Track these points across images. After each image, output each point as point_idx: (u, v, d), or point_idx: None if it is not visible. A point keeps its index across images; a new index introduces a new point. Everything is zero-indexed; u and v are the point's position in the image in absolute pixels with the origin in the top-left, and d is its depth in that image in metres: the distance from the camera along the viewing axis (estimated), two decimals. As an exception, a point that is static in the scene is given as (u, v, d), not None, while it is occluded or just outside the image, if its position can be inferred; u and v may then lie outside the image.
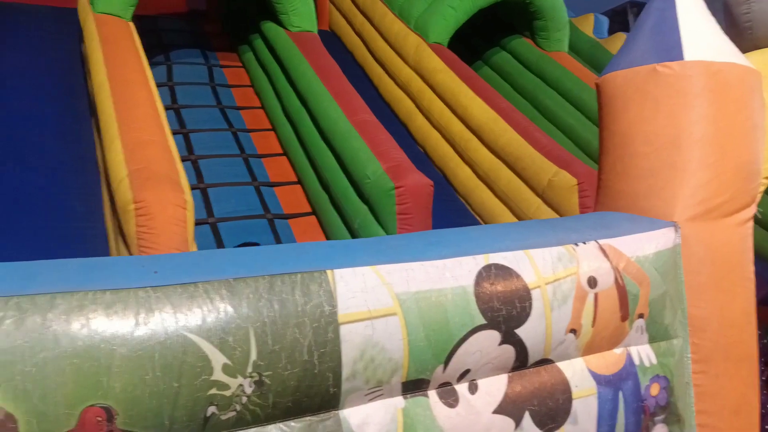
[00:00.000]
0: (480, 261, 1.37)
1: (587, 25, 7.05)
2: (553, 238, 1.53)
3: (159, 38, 5.28)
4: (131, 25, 4.07)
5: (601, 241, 1.57)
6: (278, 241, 3.93)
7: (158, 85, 4.00)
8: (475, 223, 4.59)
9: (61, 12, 5.07)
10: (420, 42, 5.09)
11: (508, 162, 4.38)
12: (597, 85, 1.92)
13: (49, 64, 4.50)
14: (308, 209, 4.27)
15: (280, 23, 4.69)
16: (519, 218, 4.36)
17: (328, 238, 4.07)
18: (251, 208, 4.08)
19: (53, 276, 1.13)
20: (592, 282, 1.51)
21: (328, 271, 1.25)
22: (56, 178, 3.55)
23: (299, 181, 4.40)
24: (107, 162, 3.03)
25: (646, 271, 1.63)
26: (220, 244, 3.77)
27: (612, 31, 7.65)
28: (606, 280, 1.54)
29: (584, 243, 1.54)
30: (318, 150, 4.10)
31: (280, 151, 4.64)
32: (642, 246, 1.61)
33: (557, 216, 4.10)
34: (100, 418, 1.07)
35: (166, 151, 3.02)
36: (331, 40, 6.02)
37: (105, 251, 3.24)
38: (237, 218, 3.96)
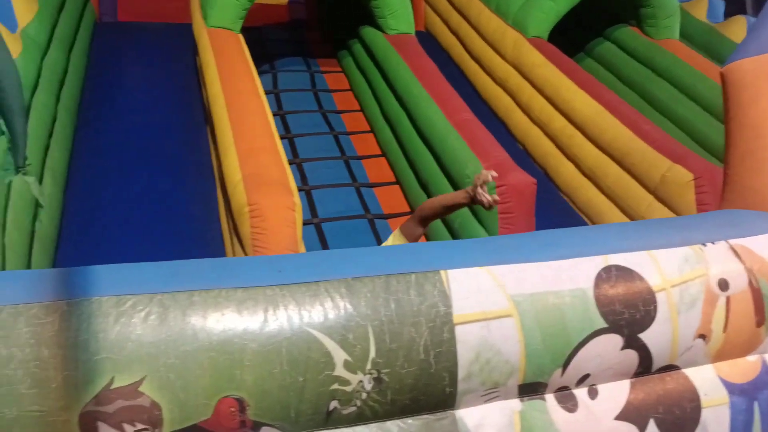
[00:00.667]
0: (599, 262, 1.33)
1: (700, 9, 6.56)
2: (678, 238, 1.44)
3: (264, 48, 5.54)
4: (241, 37, 4.31)
5: (732, 241, 1.47)
6: (378, 240, 4.00)
7: (266, 93, 4.21)
8: (580, 222, 4.42)
9: (178, 28, 5.46)
10: (518, 37, 4.98)
11: (615, 157, 4.18)
12: (722, 75, 1.79)
13: (170, 77, 4.87)
14: (407, 209, 4.31)
15: (378, 27, 4.77)
16: (629, 217, 4.14)
17: (427, 237, 4.08)
18: (352, 209, 4.18)
19: (190, 274, 1.23)
20: (724, 285, 1.41)
21: (442, 272, 1.26)
22: (179, 183, 3.84)
23: (398, 182, 4.45)
24: (223, 167, 3.23)
25: (785, 273, 1.50)
26: (324, 244, 3.90)
27: (728, 14, 7.07)
28: (739, 283, 1.43)
29: (713, 243, 1.44)
30: (417, 150, 4.13)
31: (379, 152, 4.71)
32: (779, 246, 1.49)
33: (671, 214, 3.85)
34: (233, 409, 1.14)
35: (276, 156, 3.17)
36: (427, 40, 6.03)
37: (221, 251, 3.46)
38: (339, 218, 4.08)
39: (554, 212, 4.47)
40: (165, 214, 3.56)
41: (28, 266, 2.66)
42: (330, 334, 1.17)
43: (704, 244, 1.44)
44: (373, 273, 1.23)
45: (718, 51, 5.90)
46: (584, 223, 4.40)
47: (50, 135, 3.42)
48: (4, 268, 2.20)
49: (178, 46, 5.16)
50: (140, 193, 3.67)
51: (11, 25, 3.16)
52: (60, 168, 3.53)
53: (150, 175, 3.82)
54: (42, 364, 1.06)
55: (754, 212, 1.62)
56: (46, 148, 3.27)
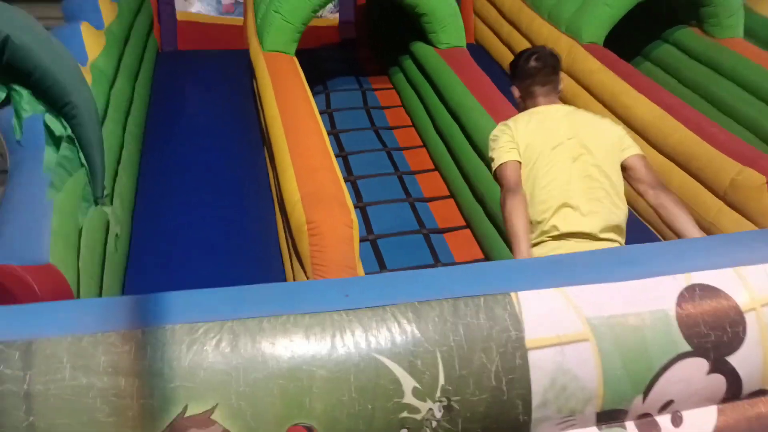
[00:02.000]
0: (681, 281, 1.25)
1: (765, 4, 6.24)
2: (766, 252, 1.35)
3: (317, 69, 5.64)
4: (296, 59, 4.40)
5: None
6: (434, 254, 3.96)
7: (320, 113, 4.28)
8: (646, 231, 4.24)
9: (235, 54, 5.64)
10: (573, 44, 4.87)
11: (680, 162, 4.00)
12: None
13: (228, 101, 5.04)
14: (463, 223, 4.26)
15: (429, 42, 4.78)
16: (697, 224, 3.94)
17: (484, 250, 4.02)
18: (407, 224, 4.17)
19: (258, 300, 1.24)
20: (819, 302, 1.31)
21: (512, 294, 1.22)
22: (239, 204, 3.94)
23: (452, 195, 4.41)
24: (282, 188, 3.29)
25: None
26: (380, 260, 3.89)
27: (797, 6, 6.71)
28: (836, 300, 1.32)
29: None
30: (471, 163, 4.08)
31: (432, 167, 4.69)
32: None
33: (743, 220, 3.65)
34: (303, 437, 1.14)
35: (332, 174, 3.20)
36: (478, 52, 5.99)
37: (281, 271, 3.51)
38: (395, 234, 4.07)
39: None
40: (226, 235, 3.65)
41: (100, 290, 2.77)
42: (398, 360, 1.15)
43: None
44: (441, 296, 1.20)
45: (787, 47, 5.61)
46: (650, 233, 4.22)
47: (119, 162, 3.57)
48: (78, 293, 2.29)
49: (236, 71, 5.33)
50: (202, 215, 3.78)
51: (82, 59, 3.32)
52: (128, 193, 3.68)
53: (211, 197, 3.93)
54: (120, 393, 1.09)
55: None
56: (115, 174, 3.41)
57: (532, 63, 2.23)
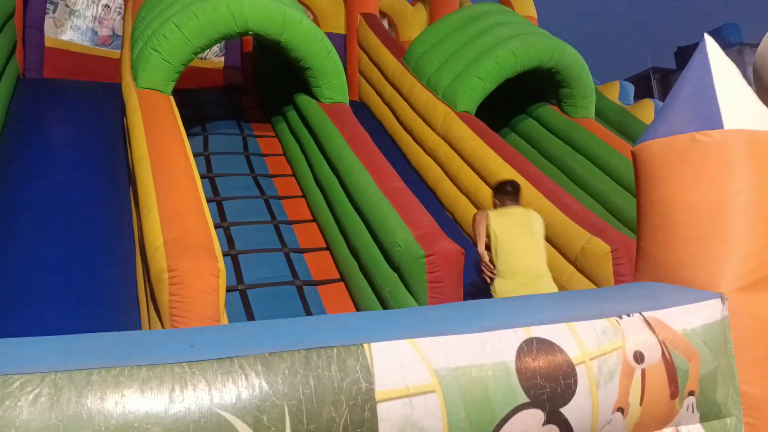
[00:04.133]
0: (521, 334, 1.33)
1: (613, 91, 7.14)
2: (597, 310, 1.48)
3: (198, 110, 5.50)
4: (171, 98, 4.25)
5: (646, 314, 1.51)
6: (306, 307, 3.91)
7: (195, 155, 4.13)
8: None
9: (107, 87, 5.35)
10: (448, 111, 5.20)
11: (539, 228, 4.33)
12: (633, 153, 1.91)
13: (94, 136, 4.71)
14: (337, 276, 4.26)
15: (313, 95, 4.85)
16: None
17: (356, 305, 4.03)
18: (281, 275, 4.09)
19: (91, 350, 1.13)
20: (639, 357, 1.45)
21: (365, 345, 1.22)
22: (96, 246, 3.64)
23: (328, 248, 4.41)
24: (144, 231, 3.09)
25: (695, 345, 1.56)
26: (248, 311, 3.76)
27: (637, 97, 7.73)
28: (653, 355, 1.47)
29: (628, 315, 1.49)
30: (348, 217, 4.13)
31: (311, 217, 4.68)
32: (689, 318, 1.55)
33: (591, 284, 4.00)
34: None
35: (201, 219, 3.07)
36: (361, 109, 6.19)
37: (137, 318, 3.26)
38: (266, 285, 3.96)
39: (481, 279, 4.54)
40: (78, 278, 3.34)
41: None
42: (242, 416, 1.09)
43: (620, 317, 1.48)
44: (294, 347, 1.17)
45: (630, 130, 6.40)
46: (511, 292, 4.47)
47: (-47, 192, 3.19)
48: None
49: (106, 105, 5.04)
50: (52, 255, 3.44)
51: None
52: (-37, 227, 3.28)
53: (64, 236, 3.60)
54: None
55: (665, 285, 1.69)
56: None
57: (509, 188, 3.80)
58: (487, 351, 1.28)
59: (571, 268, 4.15)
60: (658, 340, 1.48)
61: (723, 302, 1.62)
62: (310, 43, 4.53)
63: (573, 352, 1.35)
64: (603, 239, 3.95)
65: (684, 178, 1.69)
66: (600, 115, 6.33)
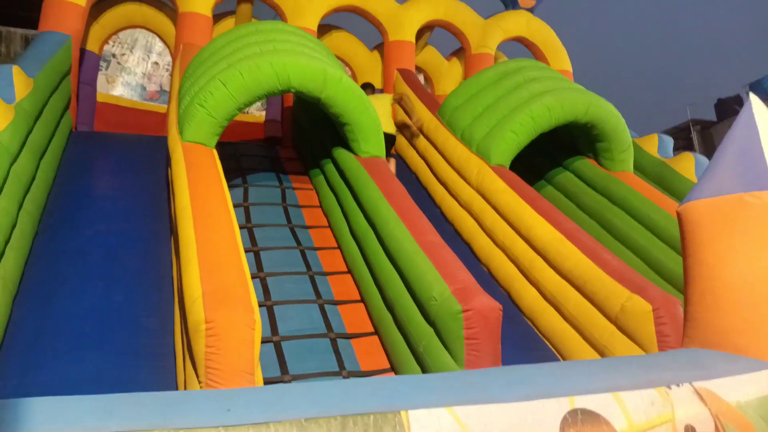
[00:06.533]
0: (564, 405, 1.28)
1: (651, 144, 7.06)
2: (644, 379, 1.42)
3: (238, 162, 5.66)
4: (214, 152, 4.39)
5: (697, 384, 1.45)
6: (340, 360, 3.86)
7: (235, 206, 4.22)
8: (544, 348, 4.37)
9: (153, 140, 5.56)
10: (482, 164, 5.21)
11: (576, 285, 4.23)
12: (678, 213, 1.86)
13: (139, 187, 4.88)
14: (371, 329, 4.21)
15: (350, 149, 4.95)
16: (591, 345, 4.11)
17: (390, 359, 3.96)
18: (315, 327, 4.07)
19: (129, 411, 1.13)
20: (690, 431, 1.37)
21: (403, 413, 1.19)
22: (135, 295, 3.71)
23: (363, 300, 4.39)
24: (183, 281, 3.14)
25: (750, 418, 1.47)
26: (282, 363, 3.74)
27: (677, 149, 7.62)
28: (706, 429, 1.39)
29: (678, 385, 1.42)
30: (383, 269, 4.12)
31: (345, 269, 4.69)
32: (743, 389, 1.47)
33: (632, 344, 3.85)
34: None
35: (239, 272, 3.10)
36: (397, 162, 6.26)
37: (173, 368, 3.27)
38: (300, 337, 3.94)
39: (518, 336, 4.43)
40: (116, 327, 3.39)
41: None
42: (278, 482, 1.07)
43: (669, 386, 1.41)
44: (329, 413, 1.15)
45: (670, 183, 6.28)
46: (548, 349, 4.35)
47: (7, 242, 3.32)
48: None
49: (152, 157, 5.23)
50: (93, 304, 3.52)
51: (-19, 132, 3.17)
52: (12, 275, 3.39)
53: (105, 286, 3.68)
54: None
55: (715, 352, 1.62)
56: (1, 255, 3.15)
57: None
58: (529, 422, 1.24)
59: (612, 327, 4.01)
60: (711, 413, 1.41)
61: (779, 372, 1.54)
62: (349, 99, 4.65)
63: (620, 424, 1.29)
64: (644, 297, 3.81)
65: (733, 240, 1.64)
66: (639, 168, 6.25)
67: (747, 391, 1.47)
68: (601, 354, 4.01)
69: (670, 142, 6.81)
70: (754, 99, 1.74)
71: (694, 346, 1.73)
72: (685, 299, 1.80)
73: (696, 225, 1.74)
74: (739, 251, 1.62)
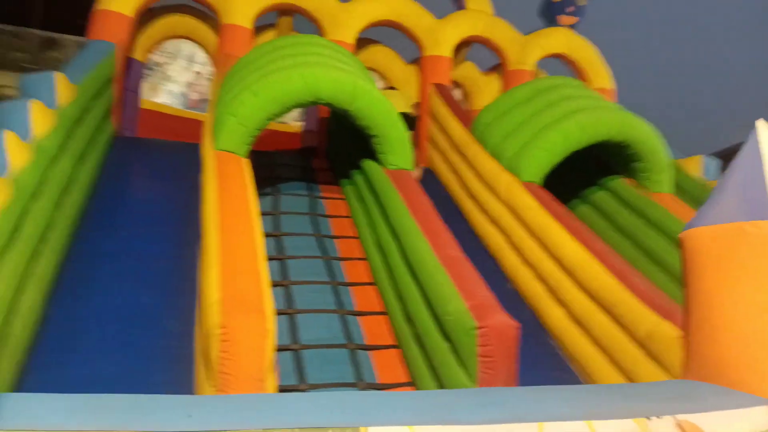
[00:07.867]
0: (532, 430, 1.26)
1: (695, 166, 6.81)
2: (624, 409, 1.38)
3: (272, 171, 5.78)
4: (246, 160, 4.52)
5: (680, 417, 1.39)
6: (358, 372, 3.87)
7: (264, 214, 4.31)
8: (567, 370, 4.27)
9: (193, 147, 5.74)
10: (512, 180, 5.16)
11: (603, 307, 4.12)
12: (680, 239, 1.81)
13: (175, 192, 5.05)
14: (392, 341, 4.21)
15: (378, 161, 5.00)
16: (618, 369, 3.99)
17: (410, 373, 3.96)
18: (335, 337, 4.10)
19: (99, 411, 1.18)
20: (669, 466, 1.32)
21: (362, 429, 1.20)
22: (161, 298, 3.84)
23: (385, 312, 4.40)
24: (203, 286, 3.24)
25: (740, 457, 1.41)
26: (300, 371, 3.78)
27: (724, 171, 7.31)
28: (686, 465, 1.34)
29: (658, 417, 1.37)
30: (404, 282, 4.13)
31: (369, 280, 4.71)
32: (731, 426, 1.41)
33: (659, 370, 3.71)
34: None
35: (257, 279, 3.18)
36: (429, 176, 6.27)
37: (191, 370, 3.36)
38: (319, 346, 3.98)
39: (542, 356, 4.34)
40: (139, 329, 3.52)
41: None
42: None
43: (649, 417, 1.37)
44: (287, 424, 1.17)
45: (714, 206, 6.04)
46: (570, 371, 4.25)
47: (43, 241, 3.49)
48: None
49: (191, 164, 5.39)
50: (120, 306, 3.67)
51: (24, 136, 3.35)
52: (47, 275, 3.57)
53: (134, 288, 3.83)
54: None
55: (708, 385, 1.56)
56: (35, 254, 3.32)
57: None
58: (493, 445, 1.22)
59: (638, 352, 3.89)
60: (692, 448, 1.36)
61: (778, 410, 1.47)
62: (378, 112, 4.70)
63: (589, 455, 1.26)
64: (673, 323, 3.68)
65: (731, 270, 1.58)
66: (681, 190, 6.04)
67: (735, 426, 1.41)
68: (628, 379, 3.89)
69: (713, 164, 6.56)
70: (761, 127, 1.68)
71: (691, 377, 1.67)
72: (683, 329, 1.74)
73: (695, 252, 1.68)
74: (737, 281, 1.55)
